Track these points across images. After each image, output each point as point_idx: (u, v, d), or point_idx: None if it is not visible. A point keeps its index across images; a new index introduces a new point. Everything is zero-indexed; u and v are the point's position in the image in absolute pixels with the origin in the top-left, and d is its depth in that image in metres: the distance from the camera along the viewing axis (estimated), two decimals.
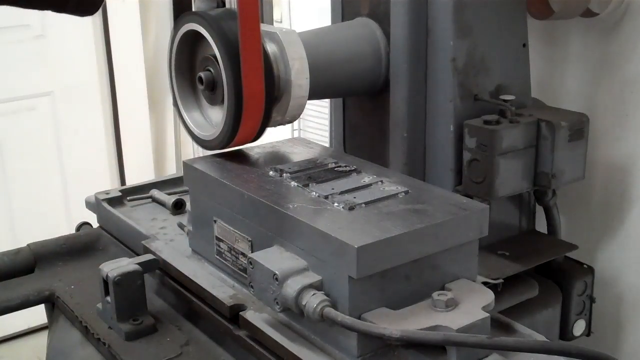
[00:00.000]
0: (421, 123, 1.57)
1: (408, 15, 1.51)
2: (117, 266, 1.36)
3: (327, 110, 2.32)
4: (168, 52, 1.52)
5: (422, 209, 1.21)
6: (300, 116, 1.51)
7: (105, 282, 1.36)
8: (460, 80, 1.51)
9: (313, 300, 1.12)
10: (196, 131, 1.51)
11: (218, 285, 1.36)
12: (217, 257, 1.43)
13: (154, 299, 1.49)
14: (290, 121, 1.49)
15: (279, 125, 1.49)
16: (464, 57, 1.50)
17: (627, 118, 1.74)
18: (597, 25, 1.76)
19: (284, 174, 1.36)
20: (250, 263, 1.21)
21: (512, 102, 1.50)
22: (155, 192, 1.82)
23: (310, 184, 1.31)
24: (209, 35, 1.39)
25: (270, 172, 1.38)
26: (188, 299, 1.40)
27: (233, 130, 1.40)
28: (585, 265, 1.71)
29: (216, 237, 1.41)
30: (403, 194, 1.27)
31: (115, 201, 1.78)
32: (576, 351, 1.09)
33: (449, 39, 1.49)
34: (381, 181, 1.32)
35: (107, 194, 1.81)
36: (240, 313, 1.27)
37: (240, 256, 1.35)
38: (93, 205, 1.83)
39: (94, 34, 3.42)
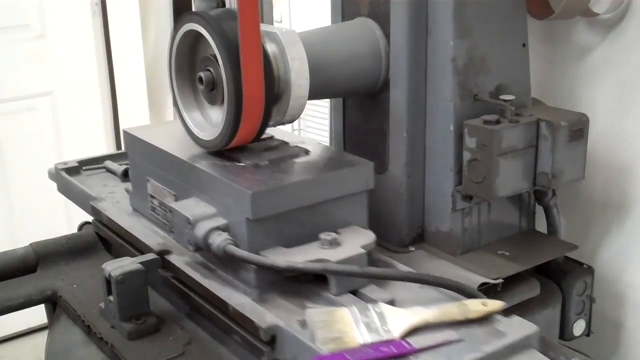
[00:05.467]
0: (421, 123, 1.58)
1: (408, 15, 1.52)
2: (120, 265, 1.37)
3: (327, 110, 2.33)
4: (168, 52, 1.53)
5: (316, 164, 1.44)
6: (300, 116, 1.51)
7: (108, 281, 1.37)
8: (460, 80, 1.51)
9: (218, 239, 1.30)
10: (196, 131, 1.52)
11: (150, 235, 1.55)
12: (151, 212, 1.62)
13: (156, 298, 1.49)
14: (290, 121, 1.49)
15: (279, 125, 1.49)
16: (464, 57, 1.51)
17: (627, 118, 1.75)
18: (597, 25, 1.77)
19: None
20: (171, 211, 1.42)
21: (512, 102, 1.50)
22: (108, 163, 2.01)
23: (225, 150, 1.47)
24: (209, 35, 1.39)
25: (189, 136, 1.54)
26: (127, 250, 1.58)
27: (233, 130, 1.41)
28: (585, 265, 1.71)
29: (150, 194, 1.60)
30: (304, 153, 1.48)
31: (72, 170, 1.98)
32: (433, 280, 1.30)
33: (449, 39, 1.49)
34: (287, 143, 1.52)
35: (66, 164, 1.99)
36: (165, 256, 1.45)
37: (168, 210, 1.50)
38: (53, 174, 2.02)
39: (94, 34, 3.42)
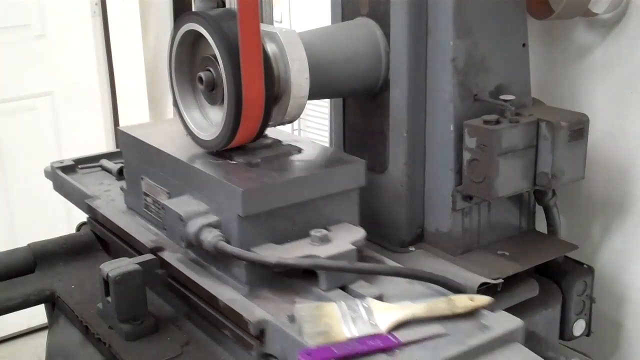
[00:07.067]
0: (421, 123, 1.57)
1: (408, 15, 1.51)
2: (118, 266, 1.36)
3: (327, 110, 2.33)
4: (168, 52, 1.52)
5: (308, 162, 1.46)
6: (300, 116, 1.51)
7: (106, 281, 1.36)
8: (460, 80, 1.51)
9: (209, 235, 1.33)
10: (196, 131, 1.52)
11: (144, 232, 1.57)
12: (145, 210, 1.64)
13: (154, 298, 1.49)
14: (290, 121, 1.49)
15: (279, 125, 1.49)
16: (464, 57, 1.50)
17: (627, 118, 1.75)
18: (597, 25, 1.76)
19: None
20: (163, 209, 1.46)
21: (512, 102, 1.50)
22: (104, 162, 2.02)
23: None
24: (209, 35, 1.39)
25: (189, 136, 1.56)
26: (122, 248, 1.60)
27: (233, 130, 1.40)
28: (585, 265, 1.71)
29: (144, 192, 1.63)
30: (296, 151, 1.50)
31: (68, 169, 2.00)
32: (422, 275, 1.32)
33: (449, 39, 1.49)
34: (281, 142, 1.53)
35: (62, 162, 2.01)
36: (158, 253, 1.46)
37: (161, 207, 1.53)
38: (49, 173, 2.03)
39: (94, 34, 3.42)
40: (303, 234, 1.36)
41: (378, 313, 1.19)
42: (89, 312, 1.47)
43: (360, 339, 1.14)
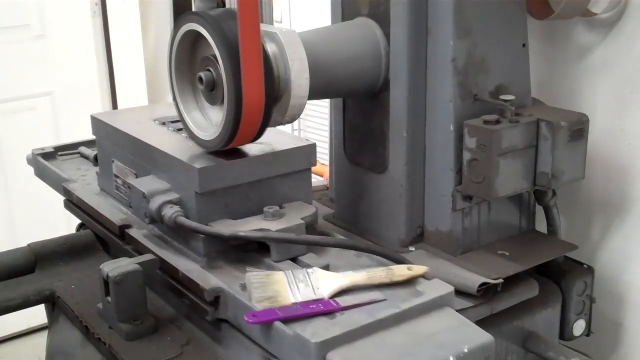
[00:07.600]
0: (421, 123, 1.57)
1: (408, 15, 1.51)
2: (118, 266, 1.36)
3: (327, 110, 2.32)
4: (168, 52, 1.52)
5: (263, 144, 1.52)
6: (300, 116, 1.51)
7: (106, 282, 1.36)
8: (460, 80, 1.51)
9: (169, 211, 1.42)
10: (196, 131, 1.51)
11: (114, 212, 1.68)
12: (116, 191, 1.75)
13: (154, 298, 1.49)
14: (290, 121, 1.49)
15: (278, 125, 1.49)
16: (464, 57, 1.50)
17: (627, 118, 1.75)
18: (596, 24, 1.76)
19: (166, 123, 1.71)
20: (129, 187, 1.55)
21: (512, 102, 1.50)
22: (82, 149, 2.13)
23: (181, 131, 1.61)
24: (209, 35, 1.39)
25: (155, 122, 1.73)
26: (97, 227, 1.70)
27: (233, 130, 1.40)
28: (585, 265, 1.71)
29: (114, 174, 1.74)
30: None
31: (48, 155, 2.09)
32: (363, 247, 1.44)
33: (449, 39, 1.49)
34: None
35: (42, 150, 2.11)
36: (126, 230, 1.57)
37: (128, 187, 1.60)
38: (31, 160, 2.13)
39: (94, 34, 3.42)
40: (258, 211, 1.44)
41: (322, 281, 1.28)
42: (89, 312, 1.47)
43: (304, 303, 1.23)
